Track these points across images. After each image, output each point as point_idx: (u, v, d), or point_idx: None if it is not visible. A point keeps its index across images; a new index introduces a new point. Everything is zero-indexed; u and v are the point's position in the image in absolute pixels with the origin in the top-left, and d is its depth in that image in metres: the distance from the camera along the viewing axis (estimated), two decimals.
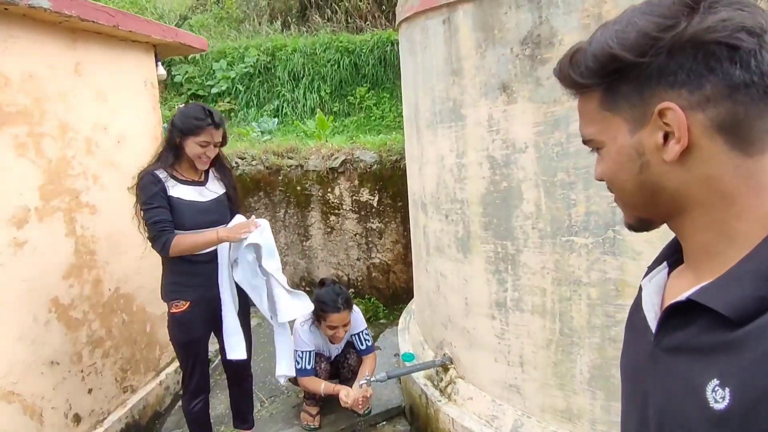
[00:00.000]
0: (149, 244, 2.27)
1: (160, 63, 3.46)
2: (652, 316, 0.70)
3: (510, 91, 1.96)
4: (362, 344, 3.03)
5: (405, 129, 2.95)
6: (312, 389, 2.87)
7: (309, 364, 2.89)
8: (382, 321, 4.36)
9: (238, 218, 2.43)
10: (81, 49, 2.72)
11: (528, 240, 2.03)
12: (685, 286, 0.65)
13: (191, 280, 2.30)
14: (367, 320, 4.29)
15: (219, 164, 2.45)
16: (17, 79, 2.33)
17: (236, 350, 2.36)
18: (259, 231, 2.32)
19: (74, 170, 2.67)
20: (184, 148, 2.25)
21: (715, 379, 0.55)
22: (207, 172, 2.41)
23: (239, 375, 2.62)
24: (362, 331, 3.05)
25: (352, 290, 4.62)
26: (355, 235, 4.51)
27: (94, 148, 2.80)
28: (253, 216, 2.42)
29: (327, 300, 2.84)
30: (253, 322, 4.05)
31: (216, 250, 2.35)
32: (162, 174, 2.25)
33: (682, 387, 0.60)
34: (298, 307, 2.49)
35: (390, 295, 4.53)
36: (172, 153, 2.26)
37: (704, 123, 0.57)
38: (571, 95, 0.68)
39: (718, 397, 0.54)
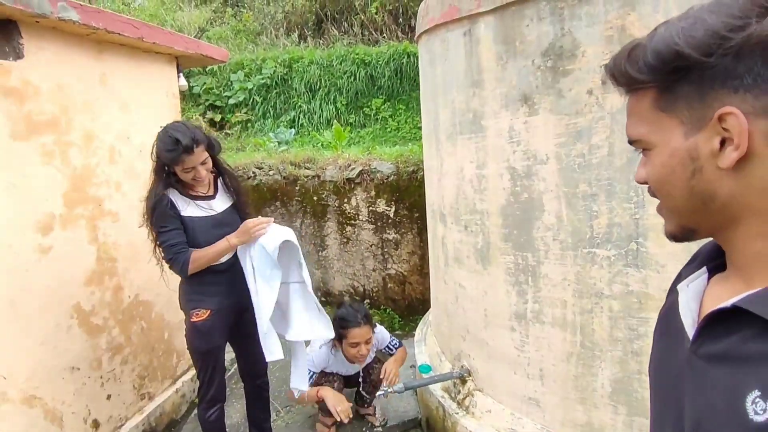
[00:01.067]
0: (166, 266, 2.28)
1: (181, 74, 3.51)
2: (689, 322, 0.68)
3: (531, 102, 1.97)
4: (392, 351, 3.05)
5: (424, 140, 2.96)
6: (309, 400, 2.83)
7: (309, 383, 2.82)
8: (397, 332, 4.34)
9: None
10: (107, 60, 2.77)
11: (549, 251, 2.02)
12: (728, 294, 0.63)
13: (211, 289, 2.32)
14: None
15: (220, 174, 2.41)
16: (46, 89, 2.38)
17: (274, 352, 2.31)
18: (274, 233, 2.29)
19: (98, 178, 2.72)
20: (176, 174, 2.23)
21: (756, 390, 0.54)
22: (216, 183, 2.40)
23: (257, 384, 2.62)
24: (391, 342, 3.07)
25: (367, 301, 4.62)
26: (371, 246, 4.52)
27: (117, 157, 2.85)
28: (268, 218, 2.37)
29: (347, 316, 2.80)
30: None
31: (235, 258, 2.35)
32: (174, 194, 2.24)
33: (721, 396, 0.58)
34: (315, 330, 2.44)
35: (405, 306, 4.52)
36: (164, 181, 2.22)
37: (766, 131, 0.55)
38: (623, 93, 0.66)
39: (758, 408, 0.53)
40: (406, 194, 4.30)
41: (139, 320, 3.03)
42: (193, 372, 3.34)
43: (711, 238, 0.71)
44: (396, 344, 3.08)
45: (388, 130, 6.92)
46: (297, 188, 4.65)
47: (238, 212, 2.44)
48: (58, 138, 2.46)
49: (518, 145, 2.05)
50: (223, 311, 2.34)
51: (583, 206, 1.89)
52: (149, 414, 3.05)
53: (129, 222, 2.91)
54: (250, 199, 4.78)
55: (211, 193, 2.38)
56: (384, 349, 3.04)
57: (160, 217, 2.19)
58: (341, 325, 2.77)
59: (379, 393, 2.53)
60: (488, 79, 2.13)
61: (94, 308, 2.68)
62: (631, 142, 0.67)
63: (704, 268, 0.72)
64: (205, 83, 8.02)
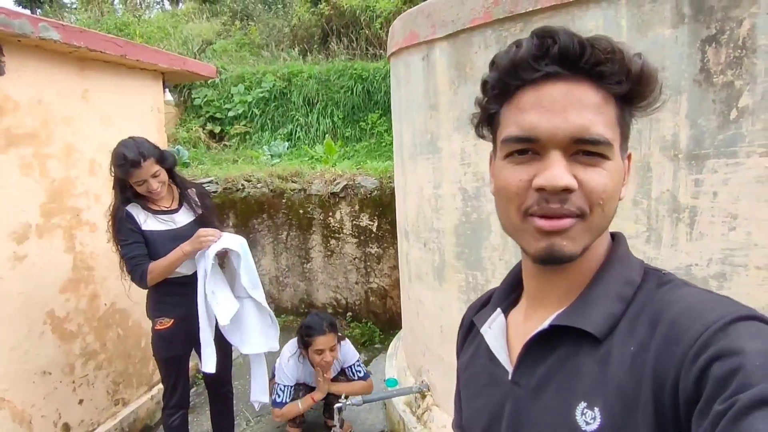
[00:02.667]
0: (128, 277, 2.35)
1: (167, 89, 3.63)
2: (505, 358, 0.71)
3: None
4: (355, 375, 3.04)
5: (394, 160, 3.04)
6: (291, 415, 2.87)
7: (288, 398, 2.88)
8: (377, 345, 4.39)
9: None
10: (89, 77, 2.89)
11: (495, 271, 2.07)
12: (533, 324, 0.68)
13: (174, 299, 2.39)
14: (363, 344, 4.34)
15: (179, 187, 2.46)
16: (26, 103, 2.50)
17: (208, 364, 2.39)
18: (227, 241, 2.34)
19: (77, 189, 2.82)
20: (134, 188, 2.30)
21: (582, 402, 0.58)
22: (180, 198, 2.47)
23: (218, 391, 2.69)
24: (355, 363, 3.06)
25: (349, 313, 4.68)
26: (354, 259, 4.58)
27: (98, 169, 2.95)
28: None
29: (312, 324, 2.87)
30: None
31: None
32: (134, 209, 2.31)
33: (551, 417, 0.61)
34: (268, 342, 2.52)
35: (386, 320, 4.57)
36: (123, 196, 2.29)
37: None
38: (563, 73, 0.58)
39: (588, 418, 0.57)
40: (389, 209, 4.37)
41: (115, 327, 3.11)
42: None
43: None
44: (360, 370, 3.06)
45: (383, 144, 7.01)
46: (284, 201, 4.74)
47: (204, 226, 2.49)
48: (37, 150, 2.57)
49: (469, 166, 2.12)
50: (186, 320, 2.41)
51: None
52: (123, 419, 3.11)
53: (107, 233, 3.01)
54: (238, 212, 4.87)
55: (174, 206, 2.45)
56: (348, 368, 3.05)
57: (120, 231, 2.28)
58: (307, 333, 2.84)
59: (336, 405, 2.58)
60: (443, 102, 2.20)
61: (69, 315, 2.77)
62: (591, 142, 0.58)
63: (499, 310, 0.77)
64: (206, 95, 8.19)
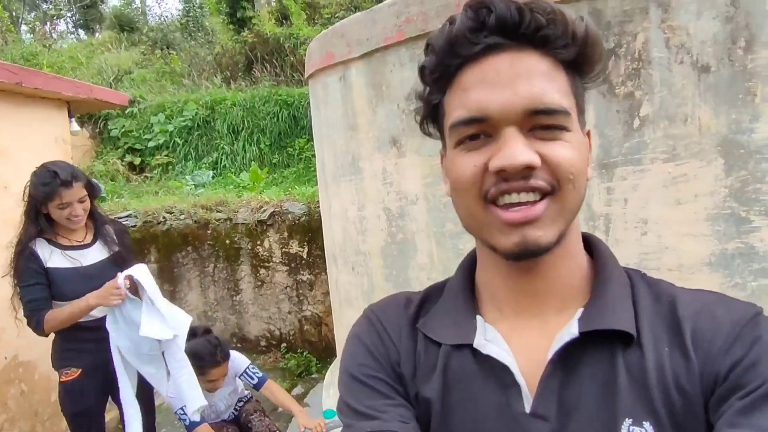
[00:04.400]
0: (26, 321, 2.14)
1: (73, 119, 3.40)
2: (523, 382, 0.57)
3: (399, 144, 2.02)
4: (253, 379, 2.81)
5: (318, 184, 2.97)
6: None
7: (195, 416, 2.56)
8: (314, 375, 4.24)
9: (121, 277, 2.21)
10: None
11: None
12: (532, 335, 0.59)
13: (82, 346, 2.19)
14: (299, 375, 4.19)
15: (94, 221, 2.32)
16: None
17: (132, 426, 2.18)
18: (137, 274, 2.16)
19: None
20: (50, 215, 2.15)
21: (627, 419, 0.53)
22: (96, 233, 2.31)
23: None
24: (247, 369, 2.84)
25: (284, 344, 4.51)
26: (285, 288, 4.44)
27: None
28: (120, 274, 2.18)
29: (204, 354, 2.58)
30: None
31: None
32: (38, 244, 2.13)
33: None
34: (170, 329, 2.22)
35: (323, 348, 4.44)
36: (34, 224, 2.13)
37: None
38: (504, 42, 0.54)
39: None
40: (318, 235, 4.28)
41: (18, 383, 2.81)
42: None
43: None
44: (257, 373, 2.84)
45: (311, 169, 6.94)
46: (209, 232, 4.54)
47: (118, 265, 2.32)
48: None
49: (391, 186, 2.09)
50: (96, 370, 2.21)
51: (451, 244, 1.93)
52: None
53: (6, 276, 2.73)
54: (160, 246, 4.61)
55: (87, 241, 2.27)
56: (242, 376, 2.83)
57: (22, 270, 2.08)
58: (198, 364, 2.52)
59: None
60: (362, 122, 2.17)
61: None
62: (546, 112, 0.53)
63: (481, 318, 0.63)
64: (124, 126, 7.82)
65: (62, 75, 7.54)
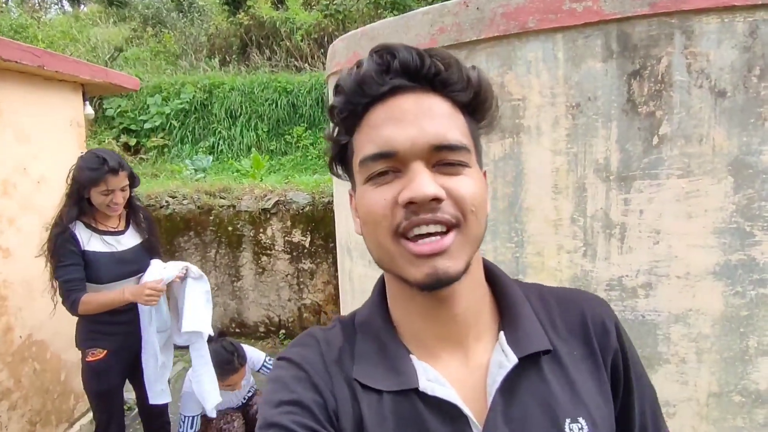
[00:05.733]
0: (60, 300, 2.21)
1: (87, 102, 3.42)
2: (470, 414, 0.60)
3: None
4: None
5: (333, 178, 3.05)
6: None
7: (191, 428, 2.69)
8: None
9: (154, 265, 2.34)
10: (3, 89, 2.66)
11: None
12: (459, 365, 0.63)
13: (109, 329, 2.26)
14: None
15: (132, 210, 2.39)
16: None
17: (161, 396, 2.30)
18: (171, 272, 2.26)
19: None
20: (90, 200, 2.21)
21: (566, 419, 0.60)
22: (128, 219, 2.38)
23: (155, 424, 2.55)
24: (265, 362, 2.95)
25: (282, 331, 4.60)
26: (286, 276, 4.52)
27: (12, 190, 2.72)
28: (153, 263, 2.29)
29: (222, 362, 2.64)
30: (179, 366, 3.95)
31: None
32: (77, 227, 2.20)
33: None
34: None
35: None
36: (77, 207, 2.19)
37: None
38: (409, 86, 0.59)
39: (576, 429, 0.60)
40: (322, 224, 4.36)
41: (31, 362, 2.86)
42: (92, 414, 3.18)
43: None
44: (271, 365, 2.90)
45: (309, 158, 6.99)
46: (212, 218, 4.59)
47: (149, 251, 2.40)
48: None
49: None
50: (120, 352, 2.28)
51: None
52: None
53: (24, 258, 2.77)
54: (162, 230, 4.66)
55: (121, 228, 2.35)
56: (261, 369, 2.95)
57: (59, 251, 2.14)
58: (217, 371, 2.56)
59: None
60: None
61: None
62: (448, 148, 0.58)
63: (414, 357, 0.63)
64: (119, 106, 7.76)
65: (55, 50, 7.43)
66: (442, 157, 0.57)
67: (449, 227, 0.57)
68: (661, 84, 1.63)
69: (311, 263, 4.45)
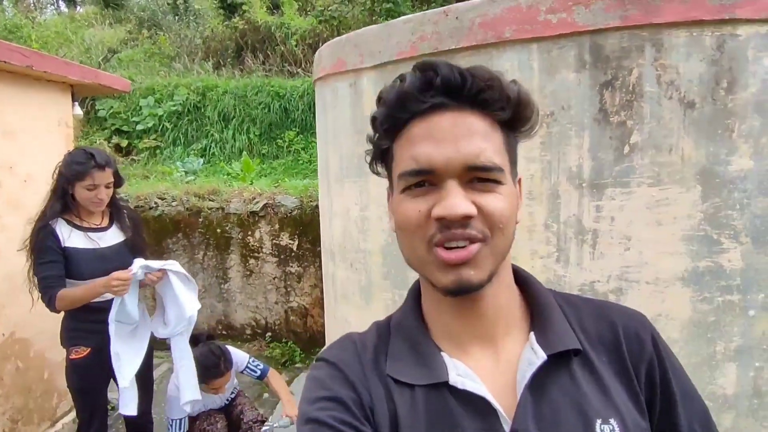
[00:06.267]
0: (39, 297, 2.22)
1: (77, 102, 3.44)
2: (500, 409, 0.62)
3: None
4: (255, 372, 2.88)
5: (319, 182, 3.09)
6: None
7: (180, 431, 2.63)
8: (298, 365, 4.36)
9: (136, 263, 2.31)
10: None
11: None
12: (488, 362, 0.66)
13: (92, 326, 2.27)
14: (283, 364, 4.30)
15: (115, 208, 2.41)
16: None
17: (129, 406, 2.26)
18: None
19: None
20: (74, 195, 2.24)
21: (597, 420, 0.60)
22: (111, 217, 2.40)
23: (137, 424, 2.56)
24: (248, 365, 2.91)
25: (269, 334, 4.61)
26: (273, 279, 4.54)
27: None
28: (136, 261, 2.27)
29: (209, 365, 2.61)
30: (164, 366, 3.96)
31: None
32: (58, 224, 2.22)
33: None
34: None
35: (307, 338, 4.56)
36: (60, 202, 2.22)
37: None
38: (450, 104, 0.61)
39: (608, 431, 0.60)
40: (310, 228, 4.39)
41: (14, 360, 2.87)
42: (75, 413, 3.18)
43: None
44: (258, 366, 2.91)
45: (300, 162, 7.02)
46: (200, 220, 4.61)
47: (132, 250, 2.42)
48: None
49: None
50: (104, 350, 2.29)
51: None
52: None
53: (8, 255, 2.78)
54: (151, 231, 4.66)
55: (104, 225, 2.37)
56: (245, 371, 2.90)
57: (39, 246, 2.16)
58: (203, 374, 2.59)
59: (264, 428, 2.55)
60: (370, 128, 2.30)
61: None
62: (483, 169, 0.61)
63: (446, 355, 0.66)
64: (112, 107, 7.76)
65: (48, 51, 7.44)
66: (476, 175, 0.61)
67: (476, 241, 0.60)
68: (632, 95, 1.67)
69: (298, 266, 4.47)
